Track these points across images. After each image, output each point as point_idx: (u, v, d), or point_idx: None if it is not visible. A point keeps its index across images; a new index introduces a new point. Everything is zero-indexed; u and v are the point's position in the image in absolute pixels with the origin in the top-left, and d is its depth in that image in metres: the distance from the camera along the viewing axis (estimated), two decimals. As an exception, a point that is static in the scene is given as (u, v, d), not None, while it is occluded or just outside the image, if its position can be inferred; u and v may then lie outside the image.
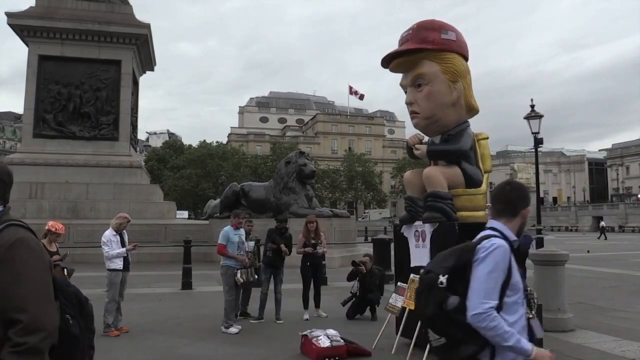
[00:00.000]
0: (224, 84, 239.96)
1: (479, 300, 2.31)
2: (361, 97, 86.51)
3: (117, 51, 21.88)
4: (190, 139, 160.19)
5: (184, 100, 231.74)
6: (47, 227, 7.39)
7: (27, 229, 2.03)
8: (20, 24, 20.92)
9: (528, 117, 19.59)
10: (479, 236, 2.55)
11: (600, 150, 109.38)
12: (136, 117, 24.44)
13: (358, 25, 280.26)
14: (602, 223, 46.40)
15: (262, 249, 9.59)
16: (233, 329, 7.90)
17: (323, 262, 10.03)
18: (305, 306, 9.18)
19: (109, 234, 8.15)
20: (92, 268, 12.26)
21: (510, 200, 2.62)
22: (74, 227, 17.81)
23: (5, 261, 1.88)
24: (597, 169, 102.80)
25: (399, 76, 7.27)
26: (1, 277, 1.87)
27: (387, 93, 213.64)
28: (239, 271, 8.24)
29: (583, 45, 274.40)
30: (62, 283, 2.16)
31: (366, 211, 75.91)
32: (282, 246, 8.92)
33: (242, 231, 8.66)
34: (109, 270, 8.07)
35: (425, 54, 6.72)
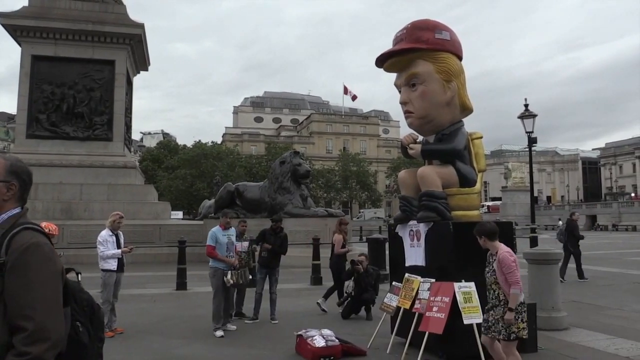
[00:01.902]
0: (223, 85, 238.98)
1: None
2: (354, 97, 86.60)
3: (111, 51, 21.78)
4: (186, 139, 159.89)
5: (182, 100, 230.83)
6: (40, 228, 7.33)
7: (43, 233, 1.98)
8: (13, 24, 20.79)
9: (522, 117, 19.65)
10: None
11: (593, 149, 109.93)
12: (130, 117, 24.35)
13: (357, 26, 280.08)
14: (560, 222, 45.64)
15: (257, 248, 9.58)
16: (219, 332, 7.83)
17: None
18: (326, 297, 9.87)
19: (105, 234, 8.10)
20: (86, 269, 12.11)
21: None
22: (68, 227, 17.73)
23: (17, 266, 1.83)
24: (591, 168, 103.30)
25: (395, 76, 7.27)
26: (12, 282, 1.82)
27: (385, 93, 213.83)
28: (229, 272, 8.09)
29: (580, 45, 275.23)
30: (75, 289, 2.12)
31: (361, 211, 75.97)
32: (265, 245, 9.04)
33: (231, 231, 8.50)
34: (103, 270, 8.03)
35: (419, 53, 6.74)
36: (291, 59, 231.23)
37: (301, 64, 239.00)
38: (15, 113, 22.26)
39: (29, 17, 20.85)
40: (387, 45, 7.10)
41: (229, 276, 8.07)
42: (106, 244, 8.02)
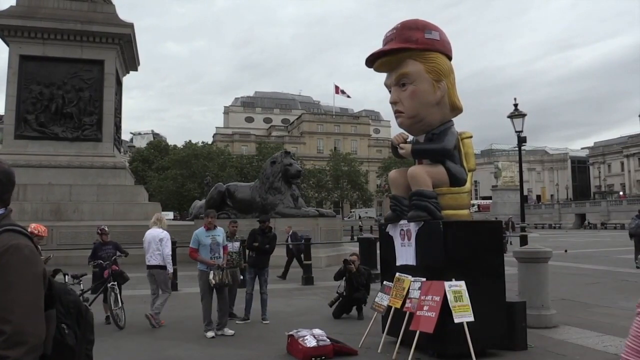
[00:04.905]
0: (217, 84, 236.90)
1: None
2: (347, 96, 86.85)
3: (100, 51, 21.65)
4: (177, 140, 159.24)
5: (175, 100, 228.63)
6: (29, 230, 7.23)
7: (25, 235, 1.95)
8: (0, 24, 20.61)
9: (511, 116, 19.76)
10: None
11: (582, 148, 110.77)
12: (120, 118, 24.23)
13: (351, 26, 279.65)
14: (513, 219, 39.86)
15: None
16: (209, 333, 7.80)
17: None
18: None
19: (168, 234, 8.91)
20: (77, 271, 12.08)
21: None
22: (57, 229, 17.61)
23: None
24: (580, 167, 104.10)
25: (385, 76, 7.29)
26: None
27: (378, 93, 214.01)
28: (211, 272, 7.88)
29: (572, 45, 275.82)
30: (61, 290, 2.09)
31: (352, 210, 76.07)
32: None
33: (217, 231, 8.25)
34: (163, 268, 8.74)
35: (409, 53, 6.76)
36: (285, 59, 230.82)
37: (295, 63, 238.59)
38: (3, 113, 22.07)
39: (16, 16, 20.67)
40: (380, 45, 7.11)
41: (211, 276, 7.85)
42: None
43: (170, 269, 8.80)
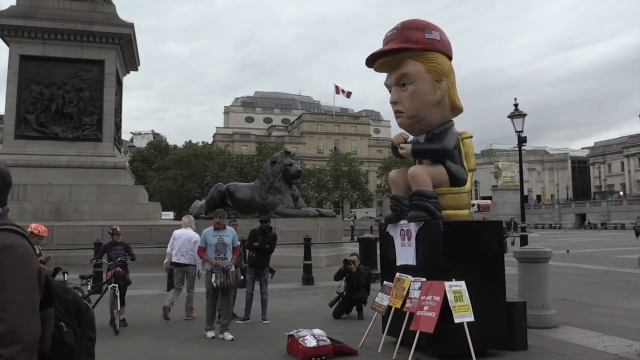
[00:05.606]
0: (217, 84, 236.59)
1: None
2: (348, 94, 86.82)
3: (100, 51, 21.64)
4: (178, 140, 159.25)
5: (176, 100, 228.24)
6: (29, 230, 7.26)
7: (21, 234, 1.95)
8: (1, 24, 20.61)
9: (512, 116, 19.77)
10: None
11: (582, 148, 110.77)
12: (120, 118, 24.22)
13: (352, 26, 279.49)
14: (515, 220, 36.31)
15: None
16: (209, 333, 7.80)
17: None
18: None
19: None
20: (77, 271, 12.09)
21: None
22: (57, 229, 17.61)
23: None
24: (580, 167, 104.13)
25: (385, 76, 7.29)
26: None
27: (378, 93, 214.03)
28: (213, 274, 7.84)
29: (572, 45, 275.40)
30: (60, 289, 2.09)
31: (352, 210, 76.06)
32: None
33: (226, 231, 8.18)
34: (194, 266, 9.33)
35: (410, 53, 6.77)
36: (285, 59, 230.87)
37: (295, 63, 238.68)
38: (3, 113, 22.07)
39: (16, 16, 20.65)
40: (380, 45, 7.12)
41: (213, 278, 7.82)
42: None
43: (200, 268, 9.34)
